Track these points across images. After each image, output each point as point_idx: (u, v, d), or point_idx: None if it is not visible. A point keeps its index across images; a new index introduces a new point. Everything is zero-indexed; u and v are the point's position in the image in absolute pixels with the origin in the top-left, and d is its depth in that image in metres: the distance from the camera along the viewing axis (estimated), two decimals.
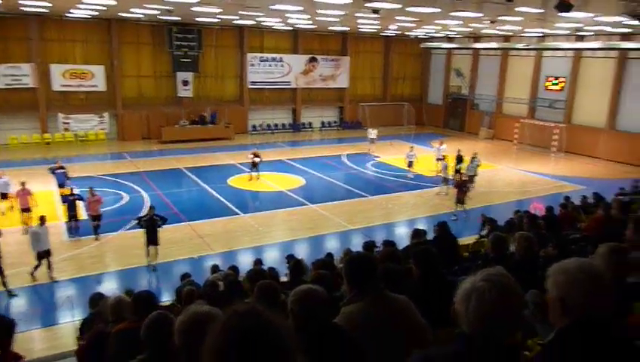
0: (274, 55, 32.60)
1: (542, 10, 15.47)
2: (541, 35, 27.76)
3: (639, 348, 1.91)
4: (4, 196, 15.84)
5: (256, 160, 20.42)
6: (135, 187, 19.23)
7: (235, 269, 9.73)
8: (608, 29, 22.21)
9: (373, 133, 27.01)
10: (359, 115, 35.88)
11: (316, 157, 25.74)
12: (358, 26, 27.62)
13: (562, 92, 29.06)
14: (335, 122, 36.05)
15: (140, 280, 11.92)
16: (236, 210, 17.09)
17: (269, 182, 20.76)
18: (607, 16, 16.51)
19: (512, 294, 1.81)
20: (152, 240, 12.44)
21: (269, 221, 16.36)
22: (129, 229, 14.58)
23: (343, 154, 26.76)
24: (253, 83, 32.21)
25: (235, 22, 27.69)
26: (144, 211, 14.72)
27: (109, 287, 11.07)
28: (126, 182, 19.79)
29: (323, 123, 35.52)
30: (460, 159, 20.07)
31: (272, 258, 12.73)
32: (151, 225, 12.39)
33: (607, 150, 26.46)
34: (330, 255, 9.81)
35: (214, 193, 18.97)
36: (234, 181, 20.76)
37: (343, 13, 19.99)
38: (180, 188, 19.94)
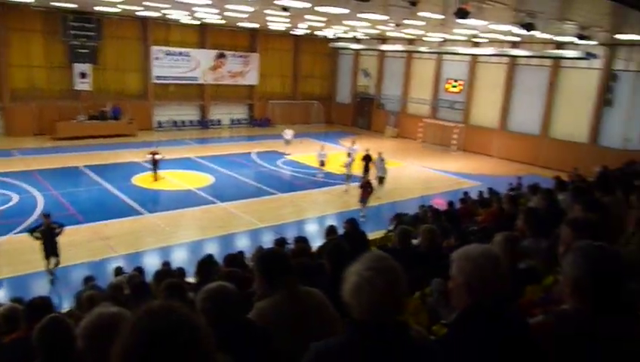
0: (181, 49, 31.49)
1: (442, 16, 16.38)
2: (442, 39, 29.35)
3: (529, 324, 2.11)
4: None
5: (157, 157, 19.56)
6: (26, 186, 17.71)
7: (140, 271, 9.30)
8: (500, 37, 23.99)
9: (289, 133, 26.67)
10: (269, 113, 35.79)
11: (225, 155, 25.29)
12: (268, 24, 27.49)
13: (461, 94, 30.96)
14: (245, 119, 35.61)
15: (35, 287, 10.97)
16: (141, 210, 16.34)
17: (177, 180, 20.08)
18: (500, 25, 17.84)
19: (395, 274, 1.90)
20: (52, 251, 11.23)
21: (177, 221, 15.83)
22: (18, 233, 13.40)
23: (253, 151, 26.54)
24: (159, 77, 30.88)
25: (138, 13, 26.40)
26: (36, 215, 13.54)
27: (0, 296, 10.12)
28: (15, 182, 18.14)
29: (232, 120, 34.95)
30: (367, 158, 20.44)
31: (181, 258, 12.37)
32: (49, 234, 11.20)
33: (500, 149, 28.61)
34: (241, 253, 9.69)
35: (117, 192, 17.99)
36: (139, 180, 19.81)
37: (252, 9, 19.80)
38: (78, 187, 18.66)
